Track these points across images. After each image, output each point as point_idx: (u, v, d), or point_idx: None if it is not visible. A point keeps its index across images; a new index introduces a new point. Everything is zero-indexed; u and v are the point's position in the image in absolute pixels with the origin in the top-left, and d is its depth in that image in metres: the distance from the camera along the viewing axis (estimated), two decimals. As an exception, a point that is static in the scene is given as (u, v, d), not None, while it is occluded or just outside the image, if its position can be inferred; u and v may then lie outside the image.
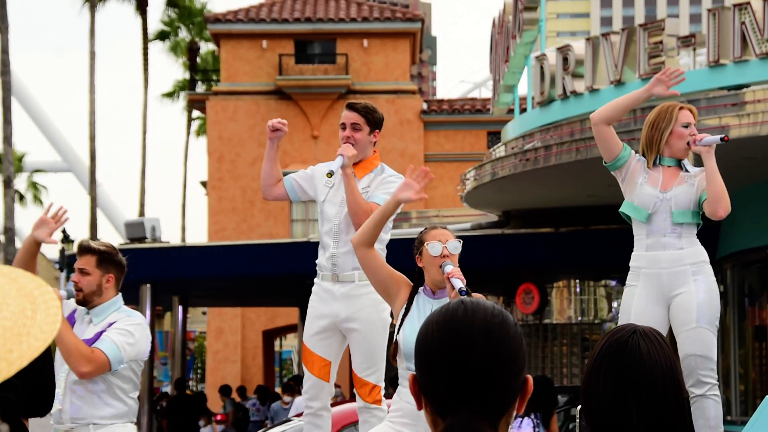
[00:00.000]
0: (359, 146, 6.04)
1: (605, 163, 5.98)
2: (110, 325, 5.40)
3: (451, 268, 4.99)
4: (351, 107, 6.15)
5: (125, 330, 5.36)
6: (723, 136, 5.74)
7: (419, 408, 1.95)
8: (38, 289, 1.52)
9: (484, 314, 1.92)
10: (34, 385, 2.54)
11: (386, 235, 5.96)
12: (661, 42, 14.06)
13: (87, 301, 5.46)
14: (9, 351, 1.43)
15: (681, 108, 5.91)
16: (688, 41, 14.36)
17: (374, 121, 6.16)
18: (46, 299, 1.51)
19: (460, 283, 4.89)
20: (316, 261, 6.06)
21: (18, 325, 1.46)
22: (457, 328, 1.90)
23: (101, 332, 5.37)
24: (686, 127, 5.84)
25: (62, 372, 5.34)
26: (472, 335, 1.89)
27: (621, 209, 5.88)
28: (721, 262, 15.82)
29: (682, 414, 2.35)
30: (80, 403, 5.32)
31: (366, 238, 5.21)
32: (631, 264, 5.86)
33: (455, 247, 5.11)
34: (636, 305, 5.74)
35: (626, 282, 5.87)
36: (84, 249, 5.51)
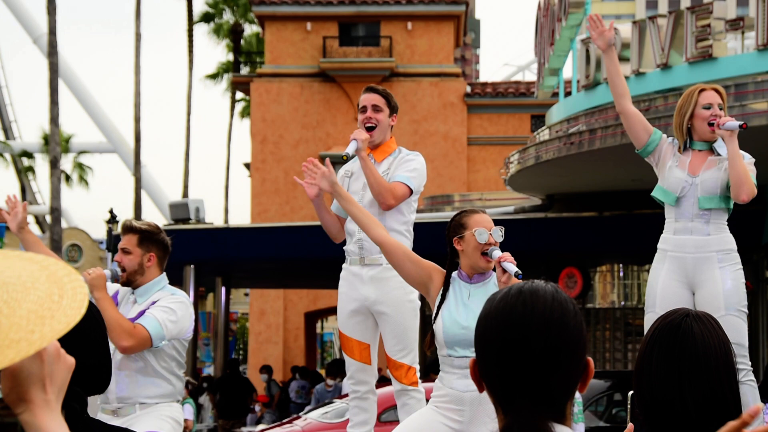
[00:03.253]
0: (380, 128, 6.04)
1: (637, 150, 5.95)
2: (153, 303, 5.42)
3: (500, 253, 4.96)
4: (371, 89, 6.17)
5: (167, 307, 5.38)
6: (742, 123, 5.67)
7: (480, 391, 1.93)
8: (68, 276, 1.59)
9: (544, 303, 1.88)
10: (92, 363, 2.57)
11: (411, 216, 5.97)
12: (708, 25, 13.90)
13: (130, 280, 5.49)
14: (31, 332, 1.49)
15: (702, 90, 5.86)
16: (736, 24, 14.17)
17: (393, 105, 6.17)
18: (74, 286, 1.58)
19: (514, 267, 4.85)
20: (344, 248, 6.07)
21: (43, 308, 1.52)
22: (515, 319, 1.88)
23: (144, 310, 5.40)
24: (708, 108, 5.78)
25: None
26: (531, 329, 1.86)
27: (652, 193, 5.86)
28: (767, 246, 15.65)
29: (735, 396, 2.33)
30: (127, 383, 5.34)
31: (391, 250, 5.15)
32: (659, 246, 5.86)
33: (500, 234, 5.09)
34: (662, 286, 5.75)
35: (653, 263, 5.85)
36: (126, 228, 5.54)
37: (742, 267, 5.80)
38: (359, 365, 5.99)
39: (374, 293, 5.88)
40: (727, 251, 5.72)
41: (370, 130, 6.01)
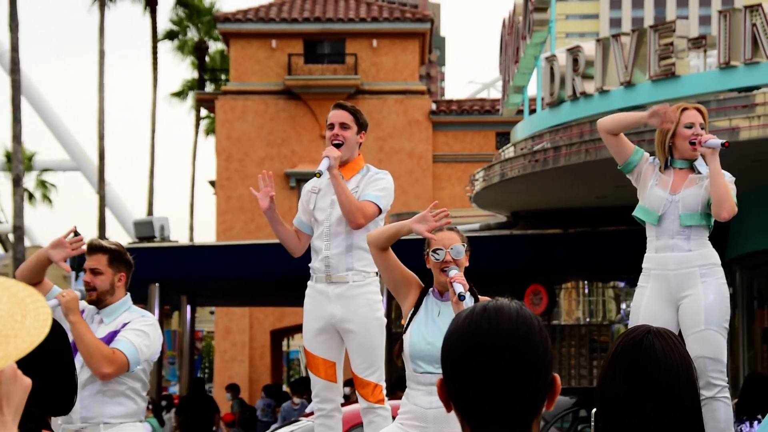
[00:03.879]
0: (348, 145, 6.03)
1: (619, 167, 6.00)
2: (124, 325, 5.38)
3: (455, 272, 5.00)
4: (340, 106, 6.14)
5: (141, 331, 5.35)
6: (724, 141, 5.72)
7: (448, 411, 1.93)
8: (30, 297, 1.60)
9: (509, 320, 1.89)
10: (56, 382, 2.55)
11: (381, 223, 5.99)
12: (671, 43, 14.04)
13: (100, 300, 5.45)
14: None
15: (685, 109, 5.91)
16: (698, 43, 14.34)
17: (362, 123, 6.14)
18: (37, 306, 1.59)
19: (460, 287, 4.92)
20: (309, 265, 6.06)
21: (6, 328, 1.53)
22: (481, 337, 1.89)
23: (114, 332, 5.36)
24: (690, 127, 5.83)
25: None
26: (496, 346, 1.87)
27: (634, 212, 5.89)
28: (731, 264, 15.78)
29: (697, 413, 2.35)
30: (90, 403, 5.31)
31: (380, 243, 5.25)
32: (643, 265, 5.88)
33: (458, 252, 5.12)
34: (645, 306, 5.76)
35: (638, 282, 5.89)
36: (95, 248, 5.48)
37: (725, 282, 5.81)
38: (325, 383, 5.98)
39: (341, 311, 5.87)
40: (709, 266, 5.74)
41: (337, 147, 6.00)
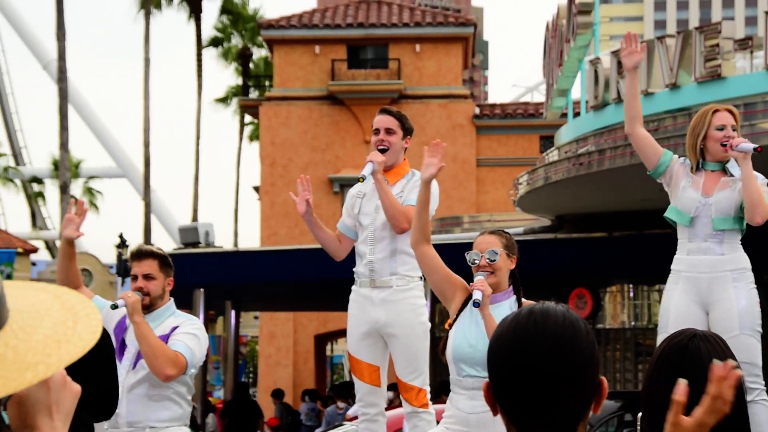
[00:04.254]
0: (393, 150, 6.05)
1: (649, 172, 5.96)
2: (173, 329, 5.39)
3: (479, 278, 5.01)
4: (385, 111, 6.17)
5: (193, 335, 5.38)
6: (757, 146, 5.66)
7: (494, 414, 1.93)
8: (80, 304, 1.63)
9: (555, 324, 1.89)
10: (101, 388, 2.57)
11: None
12: (717, 45, 13.92)
13: (151, 304, 5.46)
14: (48, 355, 1.52)
15: (716, 111, 5.86)
16: (744, 44, 14.20)
17: (407, 127, 6.17)
18: (87, 312, 1.61)
19: (478, 294, 4.95)
20: (353, 269, 6.08)
21: (58, 333, 1.56)
22: (527, 341, 1.88)
23: (163, 336, 5.37)
24: (721, 129, 5.78)
25: (120, 376, 5.35)
26: (542, 347, 1.87)
27: (665, 213, 5.87)
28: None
29: (743, 417, 2.32)
30: (137, 407, 5.33)
31: (418, 233, 5.26)
32: (672, 267, 5.85)
33: (492, 256, 5.11)
34: (675, 307, 5.74)
35: (666, 284, 5.86)
36: (147, 253, 5.51)
37: (755, 286, 5.78)
38: (369, 387, 5.98)
39: (384, 316, 5.88)
40: (741, 270, 5.72)
41: (382, 152, 6.02)
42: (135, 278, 5.46)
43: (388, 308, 5.88)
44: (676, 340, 2.37)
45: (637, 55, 5.87)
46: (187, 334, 5.36)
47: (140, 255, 5.51)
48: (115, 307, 5.28)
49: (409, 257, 5.82)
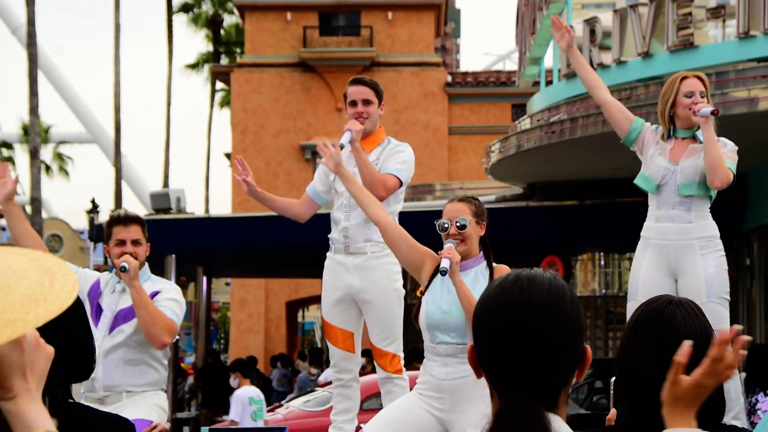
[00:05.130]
0: (371, 120, 6.07)
1: (621, 140, 5.97)
2: (154, 294, 5.36)
3: (447, 245, 5.01)
4: (361, 82, 6.16)
5: (176, 300, 5.39)
6: (713, 109, 5.69)
7: (478, 377, 1.93)
8: (57, 266, 1.66)
9: (541, 290, 1.89)
10: (75, 350, 2.59)
11: (397, 206, 6.02)
12: (689, 13, 13.92)
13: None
14: (26, 313, 1.55)
15: (684, 78, 5.87)
16: (717, 12, 14.21)
17: (381, 95, 6.20)
18: (63, 273, 1.65)
19: (446, 262, 4.94)
20: (329, 236, 6.10)
21: (35, 293, 1.58)
22: (513, 306, 1.88)
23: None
24: (689, 96, 5.80)
25: (96, 341, 5.32)
26: (529, 312, 1.86)
27: (635, 180, 5.88)
28: (748, 234, 15.71)
29: (718, 388, 2.32)
30: (114, 371, 5.32)
31: (379, 209, 5.25)
32: (641, 234, 5.87)
33: (462, 224, 5.11)
34: (644, 275, 5.76)
35: (636, 251, 5.87)
36: (133, 219, 5.45)
37: (724, 254, 5.81)
38: (343, 353, 6.01)
39: (359, 282, 5.90)
40: (709, 238, 5.74)
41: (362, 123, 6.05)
42: (122, 243, 5.38)
43: (362, 274, 5.89)
44: (651, 306, 2.37)
45: (568, 36, 5.91)
46: (171, 300, 5.35)
47: (127, 220, 5.44)
48: (124, 269, 5.24)
49: None
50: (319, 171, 6.25)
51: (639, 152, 5.94)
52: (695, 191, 5.72)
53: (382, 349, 5.86)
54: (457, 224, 5.11)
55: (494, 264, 5.16)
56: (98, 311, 5.41)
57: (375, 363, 5.96)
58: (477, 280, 5.04)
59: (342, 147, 5.87)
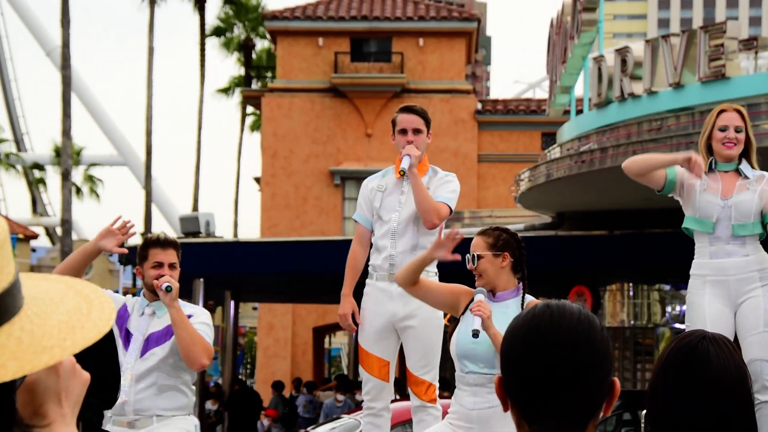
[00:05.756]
0: (421, 149, 6.13)
1: (658, 192, 5.91)
2: (188, 317, 5.37)
3: (479, 298, 5.03)
4: (410, 110, 6.21)
5: (208, 324, 5.44)
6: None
7: (505, 410, 1.92)
8: (94, 293, 1.67)
9: (570, 320, 1.88)
10: (105, 378, 2.60)
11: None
12: (722, 45, 13.90)
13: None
14: (63, 339, 1.55)
15: (722, 111, 5.84)
16: (749, 44, 14.18)
17: (429, 123, 6.28)
18: (101, 301, 1.65)
19: (476, 321, 4.93)
20: (369, 263, 6.12)
21: (73, 320, 1.59)
22: (542, 336, 1.88)
23: (169, 326, 5.37)
24: (723, 130, 5.76)
25: (127, 364, 5.35)
26: (557, 343, 1.86)
27: (684, 225, 5.79)
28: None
29: (751, 422, 2.31)
30: (146, 395, 5.34)
31: (410, 280, 5.27)
32: (693, 272, 5.76)
33: (473, 260, 5.18)
34: (710, 312, 5.67)
35: (689, 290, 5.78)
36: (170, 243, 5.47)
37: None
38: (377, 382, 6.01)
39: (403, 309, 5.92)
40: (766, 269, 5.70)
41: None
42: (159, 266, 5.38)
43: (406, 301, 5.90)
44: (685, 341, 2.36)
45: (696, 173, 5.76)
46: (203, 324, 5.39)
47: (166, 243, 5.45)
48: (169, 289, 5.28)
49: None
50: (364, 197, 6.28)
51: (679, 196, 5.87)
52: (749, 231, 5.69)
53: (419, 377, 5.86)
54: (471, 261, 5.16)
55: (531, 298, 5.15)
56: (127, 335, 5.43)
57: (410, 390, 5.96)
58: (507, 313, 5.04)
59: (404, 173, 5.95)
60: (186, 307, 5.48)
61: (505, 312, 5.06)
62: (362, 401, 6.19)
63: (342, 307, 6.09)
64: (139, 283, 32.26)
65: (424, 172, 6.14)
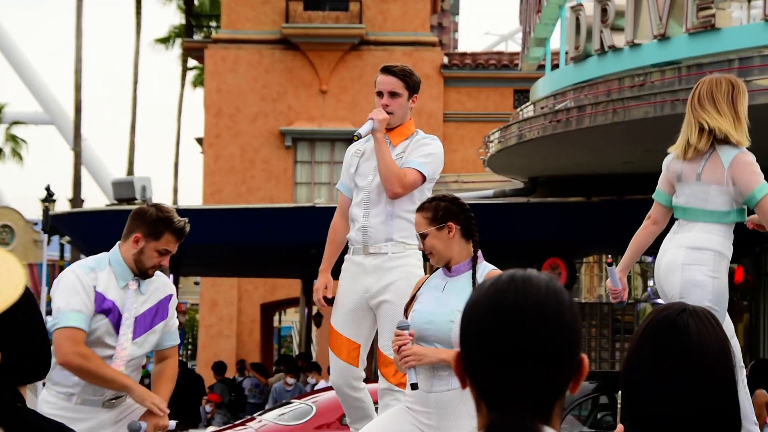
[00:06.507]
0: (397, 115, 6.12)
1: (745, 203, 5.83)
2: (163, 300, 5.48)
3: (402, 334, 5.12)
4: (388, 71, 6.22)
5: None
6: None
7: (463, 387, 1.91)
8: (1, 258, 1.68)
9: (537, 294, 1.87)
10: (27, 352, 2.61)
11: (427, 192, 6.07)
12: (711, -7, 13.92)
13: (149, 275, 5.45)
14: None
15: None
16: (741, -7, 14.21)
17: (413, 86, 6.26)
18: (9, 268, 1.66)
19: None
20: (348, 236, 6.13)
21: None
22: (506, 309, 1.87)
23: (155, 307, 5.44)
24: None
25: (120, 346, 5.37)
26: (524, 316, 1.85)
27: (734, 218, 5.78)
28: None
29: (733, 401, 2.31)
30: (132, 377, 5.41)
31: None
32: (722, 251, 5.73)
33: (419, 239, 5.25)
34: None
35: (721, 273, 5.73)
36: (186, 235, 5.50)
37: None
38: (344, 366, 6.02)
39: (376, 284, 5.94)
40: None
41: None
42: (165, 254, 5.38)
43: (380, 275, 5.93)
44: (662, 315, 2.34)
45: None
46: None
47: (183, 235, 5.46)
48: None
49: (407, 222, 5.89)
50: (345, 164, 6.30)
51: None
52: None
53: (389, 357, 5.83)
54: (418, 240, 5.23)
55: (490, 267, 5.15)
56: (119, 317, 5.36)
57: (378, 372, 5.98)
58: (465, 287, 5.04)
59: (359, 137, 5.94)
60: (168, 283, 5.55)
61: (460, 287, 5.07)
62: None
63: (317, 282, 6.14)
64: (68, 254, 32.04)
65: (405, 136, 6.15)
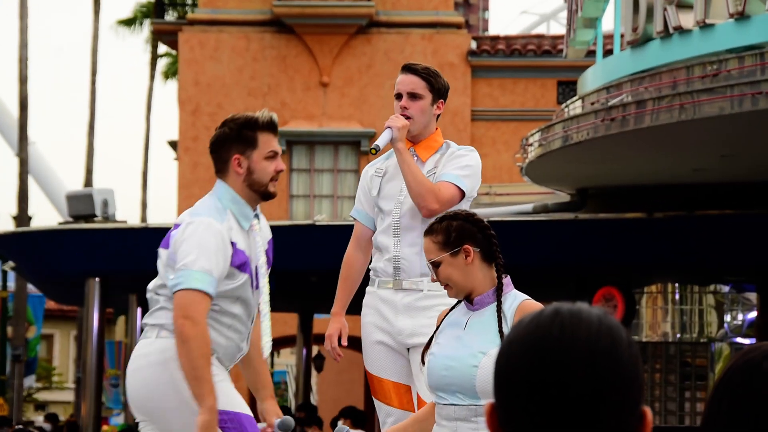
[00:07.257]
0: (417, 121, 6.20)
1: None
2: (271, 244, 5.85)
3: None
4: (409, 70, 6.34)
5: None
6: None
7: None
8: None
9: (588, 332, 1.89)
10: None
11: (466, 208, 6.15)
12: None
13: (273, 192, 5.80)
14: None
15: None
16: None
17: (438, 89, 6.35)
18: None
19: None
20: (371, 266, 6.24)
21: None
22: (549, 352, 1.88)
23: (267, 251, 5.81)
24: None
25: (263, 307, 5.64)
26: (570, 362, 1.86)
27: None
28: None
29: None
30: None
31: None
32: None
33: (434, 273, 5.29)
34: None
35: None
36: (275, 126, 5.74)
37: None
38: (402, 414, 6.07)
39: (410, 325, 6.04)
40: None
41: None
42: (274, 156, 5.62)
43: (414, 315, 6.03)
44: (744, 359, 2.36)
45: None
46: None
47: (275, 127, 5.67)
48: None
49: None
50: (362, 186, 6.40)
51: None
52: None
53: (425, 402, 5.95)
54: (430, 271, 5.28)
55: (522, 297, 5.16)
56: (248, 264, 5.54)
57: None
58: (490, 324, 5.05)
59: (377, 150, 6.06)
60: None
61: (484, 322, 5.09)
62: None
63: (329, 327, 6.23)
64: (11, 283, 32.02)
65: (434, 149, 6.26)
